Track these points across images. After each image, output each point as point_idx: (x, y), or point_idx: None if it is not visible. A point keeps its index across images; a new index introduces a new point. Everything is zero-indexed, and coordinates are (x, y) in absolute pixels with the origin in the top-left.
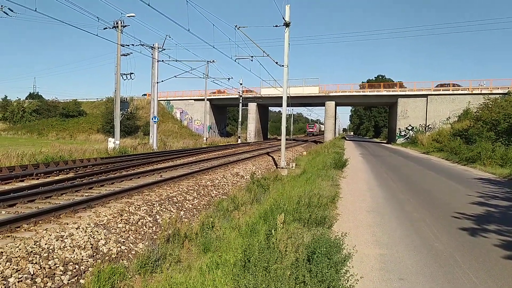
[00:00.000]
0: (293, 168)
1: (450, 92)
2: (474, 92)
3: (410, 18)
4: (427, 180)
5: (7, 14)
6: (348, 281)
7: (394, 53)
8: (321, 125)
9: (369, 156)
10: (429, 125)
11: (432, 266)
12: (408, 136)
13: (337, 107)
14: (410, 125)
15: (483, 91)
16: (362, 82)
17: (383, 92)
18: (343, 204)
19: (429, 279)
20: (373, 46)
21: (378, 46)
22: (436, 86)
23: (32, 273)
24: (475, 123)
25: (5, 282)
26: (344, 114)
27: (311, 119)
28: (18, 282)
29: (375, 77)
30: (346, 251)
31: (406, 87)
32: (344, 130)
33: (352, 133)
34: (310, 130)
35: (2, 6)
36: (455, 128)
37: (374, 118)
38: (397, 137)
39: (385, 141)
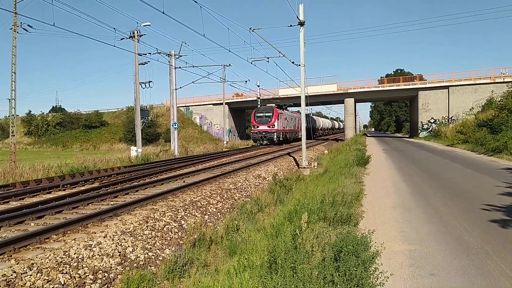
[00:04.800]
0: (315, 167)
1: (472, 82)
2: (496, 80)
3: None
4: (453, 173)
5: (27, 30)
6: (377, 278)
7: (412, 46)
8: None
9: (391, 152)
10: (452, 117)
11: (463, 260)
12: (431, 129)
13: (356, 103)
14: (432, 118)
15: (506, 79)
16: (381, 77)
17: (403, 86)
18: (368, 201)
19: (461, 274)
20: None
21: (396, 40)
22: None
23: (63, 283)
24: (499, 112)
25: None
26: (364, 110)
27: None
28: None
29: (393, 71)
30: (374, 248)
31: (426, 80)
32: (365, 126)
33: (373, 129)
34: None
35: (21, 23)
36: (479, 119)
37: (395, 113)
38: (419, 131)
39: (407, 136)
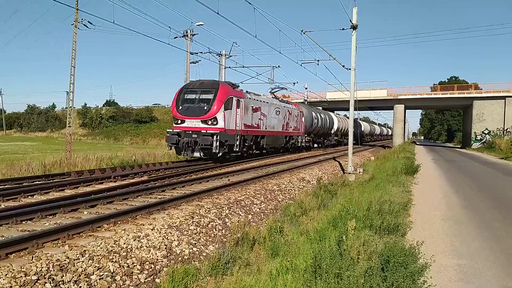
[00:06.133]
0: (361, 173)
1: None
2: None
3: (485, 16)
4: (508, 187)
5: (87, 26)
6: None
7: (468, 53)
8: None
9: (442, 162)
10: (507, 129)
11: None
12: (484, 140)
13: (406, 110)
14: (486, 129)
15: None
16: (434, 84)
17: (457, 94)
18: (416, 212)
19: None
20: (446, 46)
21: (452, 47)
22: None
23: (112, 271)
24: None
25: (87, 279)
26: (413, 118)
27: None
28: (100, 279)
29: (447, 79)
30: (422, 260)
31: (481, 89)
32: (414, 134)
33: (422, 137)
34: (188, 122)
35: (82, 19)
36: None
37: (446, 121)
38: (472, 142)
39: (459, 146)
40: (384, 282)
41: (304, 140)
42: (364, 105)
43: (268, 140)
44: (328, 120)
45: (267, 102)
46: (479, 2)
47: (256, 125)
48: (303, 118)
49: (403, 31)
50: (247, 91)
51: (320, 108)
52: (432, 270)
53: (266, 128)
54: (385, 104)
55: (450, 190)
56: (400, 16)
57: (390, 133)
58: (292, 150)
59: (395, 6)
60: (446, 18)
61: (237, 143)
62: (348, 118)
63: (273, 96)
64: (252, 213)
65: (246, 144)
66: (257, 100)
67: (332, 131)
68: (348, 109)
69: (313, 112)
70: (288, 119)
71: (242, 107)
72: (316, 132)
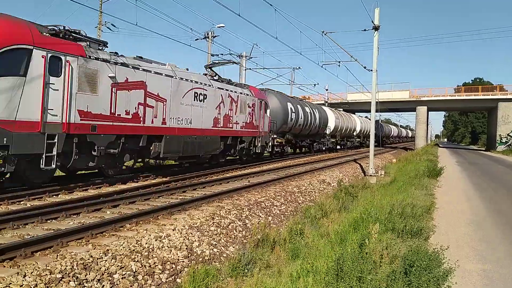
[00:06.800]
0: (382, 175)
1: None
2: None
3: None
4: None
5: (110, 29)
6: None
7: (494, 54)
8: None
9: (466, 164)
10: None
11: None
12: (509, 143)
13: (429, 112)
14: None
15: None
16: (458, 86)
17: (481, 96)
18: (440, 215)
19: None
20: (470, 47)
21: (475, 47)
22: None
23: (134, 271)
24: None
25: (110, 278)
26: (436, 119)
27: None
28: (122, 278)
29: (471, 80)
30: (446, 265)
31: (507, 90)
32: (437, 136)
33: (445, 139)
34: None
35: (105, 22)
36: None
37: (470, 123)
38: (497, 144)
39: (483, 149)
40: (408, 286)
41: (272, 144)
42: (385, 106)
43: (175, 145)
44: (316, 116)
45: (169, 77)
46: (505, 2)
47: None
48: (267, 111)
49: (426, 32)
50: (406, 126)
51: (341, 109)
52: (456, 275)
53: (166, 123)
54: (407, 106)
55: (474, 194)
56: (422, 16)
57: (412, 135)
58: (248, 159)
59: (417, 7)
60: (470, 19)
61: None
62: (369, 119)
63: (211, 76)
64: (272, 214)
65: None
66: (135, 69)
67: (328, 131)
68: (369, 111)
69: (289, 103)
70: (231, 109)
71: (68, 74)
72: (296, 132)
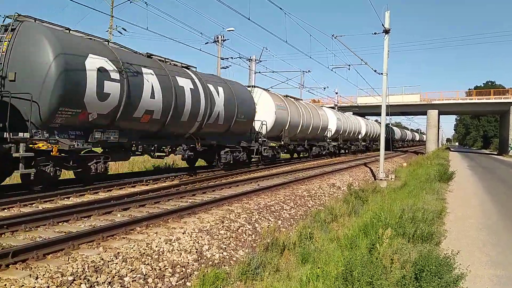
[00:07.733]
0: (393, 180)
1: None
2: None
3: None
4: None
5: (121, 33)
6: None
7: (506, 57)
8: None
9: (478, 168)
10: None
11: None
12: None
13: (440, 115)
14: None
15: None
16: (469, 89)
17: (493, 99)
18: (451, 220)
19: None
20: (481, 50)
21: (487, 50)
22: None
23: (144, 274)
24: None
25: (121, 281)
26: (447, 123)
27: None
28: (133, 281)
29: (483, 83)
30: (457, 270)
31: None
32: (448, 140)
33: (457, 143)
34: None
35: (116, 26)
36: None
37: (482, 127)
38: (509, 149)
39: (495, 153)
40: None
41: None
42: (396, 110)
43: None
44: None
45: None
46: None
47: None
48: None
49: (437, 35)
50: (417, 129)
51: (351, 113)
52: (467, 280)
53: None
54: (418, 109)
55: (486, 198)
56: (434, 19)
57: (423, 139)
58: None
59: (428, 10)
60: (482, 22)
61: None
62: (379, 123)
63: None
64: (282, 218)
65: None
66: None
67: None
68: (379, 114)
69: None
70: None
71: None
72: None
